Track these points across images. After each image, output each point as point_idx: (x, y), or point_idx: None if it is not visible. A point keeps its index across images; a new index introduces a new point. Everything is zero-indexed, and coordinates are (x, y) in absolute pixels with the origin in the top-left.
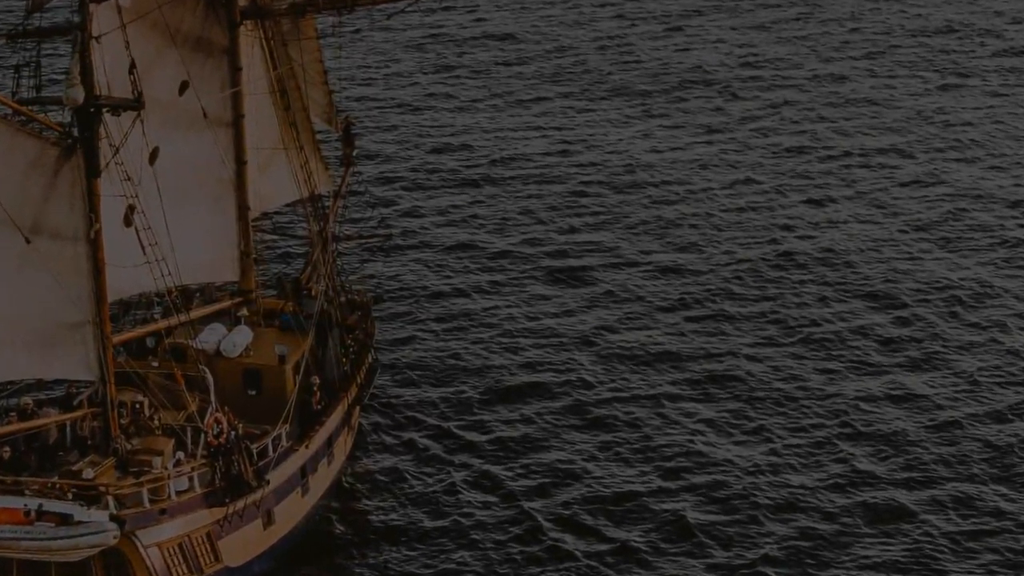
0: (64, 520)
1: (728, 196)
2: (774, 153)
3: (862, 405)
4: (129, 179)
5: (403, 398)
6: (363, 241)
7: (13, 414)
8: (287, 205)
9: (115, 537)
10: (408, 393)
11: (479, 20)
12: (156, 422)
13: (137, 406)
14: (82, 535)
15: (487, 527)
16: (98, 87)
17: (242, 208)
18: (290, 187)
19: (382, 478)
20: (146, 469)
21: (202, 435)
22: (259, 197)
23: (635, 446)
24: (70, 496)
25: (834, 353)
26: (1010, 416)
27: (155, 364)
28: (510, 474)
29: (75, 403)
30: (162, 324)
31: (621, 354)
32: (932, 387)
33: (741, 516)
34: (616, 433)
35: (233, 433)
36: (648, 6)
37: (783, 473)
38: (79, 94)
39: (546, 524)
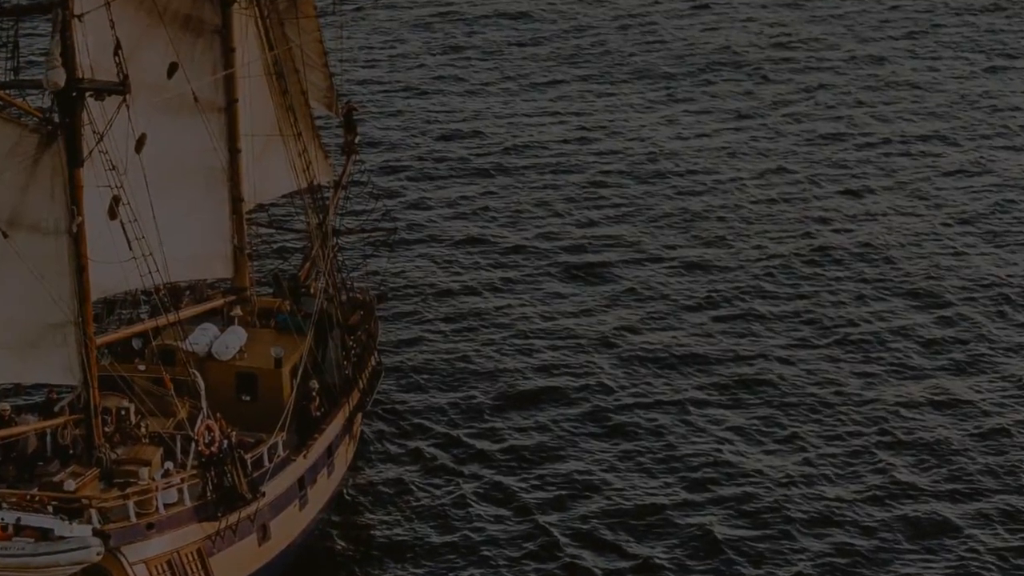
0: (44, 535)
1: (759, 187)
2: (808, 140)
3: (903, 411)
4: (114, 168)
5: (409, 404)
6: (366, 235)
7: None
8: (284, 196)
9: (99, 553)
10: (414, 398)
11: None
12: (143, 430)
13: (122, 413)
14: (63, 551)
15: (499, 543)
16: (80, 69)
17: (235, 200)
18: (287, 177)
19: (386, 490)
20: (132, 480)
21: (192, 444)
22: (254, 188)
23: (658, 455)
24: (50, 509)
25: (872, 355)
26: None
27: (142, 367)
28: (524, 485)
29: (56, 409)
30: (149, 324)
31: (643, 356)
32: (978, 392)
33: (772, 531)
34: (638, 441)
35: (226, 442)
36: None
37: (818, 484)
38: (60, 77)
39: (563, 539)
